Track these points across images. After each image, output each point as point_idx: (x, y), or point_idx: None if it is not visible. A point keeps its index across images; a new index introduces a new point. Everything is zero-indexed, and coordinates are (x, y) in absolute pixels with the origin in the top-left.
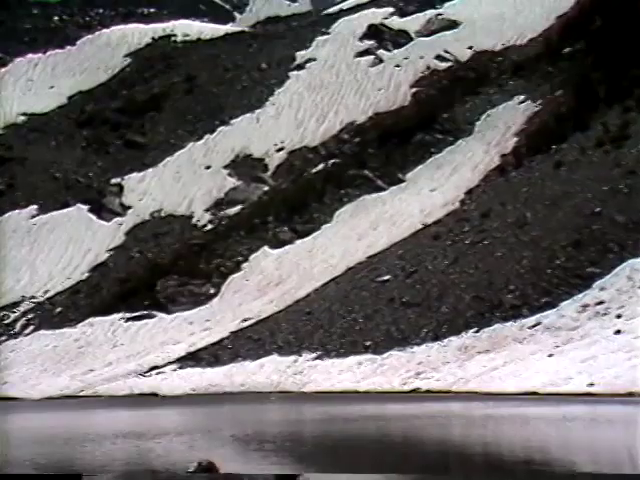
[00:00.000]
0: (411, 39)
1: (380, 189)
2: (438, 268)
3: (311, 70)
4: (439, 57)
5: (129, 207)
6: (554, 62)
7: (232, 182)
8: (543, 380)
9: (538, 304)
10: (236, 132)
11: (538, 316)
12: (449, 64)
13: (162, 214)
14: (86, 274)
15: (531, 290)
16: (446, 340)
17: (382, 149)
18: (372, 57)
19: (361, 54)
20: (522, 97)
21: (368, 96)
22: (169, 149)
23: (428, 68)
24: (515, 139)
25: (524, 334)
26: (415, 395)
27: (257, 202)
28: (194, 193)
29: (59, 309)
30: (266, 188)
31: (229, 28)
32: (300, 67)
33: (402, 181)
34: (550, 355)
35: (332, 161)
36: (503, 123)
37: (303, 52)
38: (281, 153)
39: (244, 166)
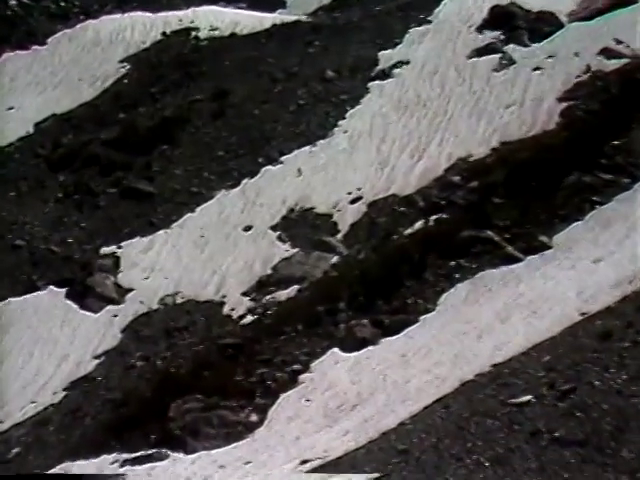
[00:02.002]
0: (561, 25)
1: (512, 259)
2: (611, 385)
3: (402, 79)
4: (606, 52)
5: (129, 290)
6: None
7: (284, 250)
8: None
9: None
10: (289, 175)
11: None
12: (622, 62)
13: (179, 300)
14: (61, 394)
15: None
16: None
17: (514, 198)
18: (497, 56)
19: (480, 52)
20: None
21: (491, 117)
22: (189, 201)
23: (588, 70)
24: None
25: None
26: None
27: (322, 281)
28: (227, 267)
29: (16, 450)
30: (335, 259)
31: (278, 17)
32: (385, 75)
33: (547, 247)
34: None
35: (435, 217)
36: None
37: (390, 52)
38: (357, 205)
39: (302, 226)
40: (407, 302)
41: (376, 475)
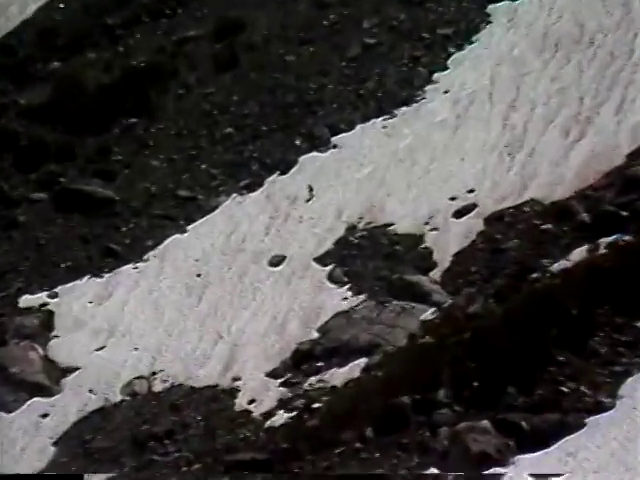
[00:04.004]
0: None
1: None
2: None
3: (538, 6)
4: None
5: (69, 370)
6: None
7: (339, 298)
8: None
9: None
10: (347, 167)
11: None
12: None
13: (158, 386)
14: None
15: None
16: None
17: None
18: None
19: None
20: None
21: None
22: (174, 214)
23: None
24: None
25: None
26: None
27: (406, 351)
28: (241, 328)
29: None
30: (429, 313)
31: None
32: None
33: None
34: None
35: (610, 240)
36: None
37: None
38: (467, 220)
39: (370, 256)
40: (561, 391)
41: None
